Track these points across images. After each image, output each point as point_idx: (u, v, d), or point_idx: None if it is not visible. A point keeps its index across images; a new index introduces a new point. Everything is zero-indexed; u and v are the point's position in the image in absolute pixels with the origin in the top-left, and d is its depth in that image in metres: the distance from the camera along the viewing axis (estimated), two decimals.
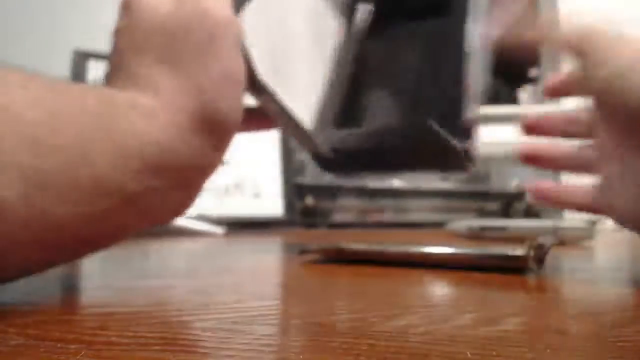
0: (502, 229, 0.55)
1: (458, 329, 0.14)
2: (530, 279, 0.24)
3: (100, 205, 0.19)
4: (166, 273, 0.28)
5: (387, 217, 0.88)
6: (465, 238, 0.58)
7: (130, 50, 0.22)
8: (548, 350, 0.12)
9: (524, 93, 2.22)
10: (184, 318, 0.16)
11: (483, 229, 0.58)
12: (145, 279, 0.25)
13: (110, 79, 0.22)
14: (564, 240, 0.50)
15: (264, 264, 0.26)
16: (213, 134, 0.22)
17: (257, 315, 0.16)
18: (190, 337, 0.13)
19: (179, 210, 0.24)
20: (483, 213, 0.99)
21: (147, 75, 0.22)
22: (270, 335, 0.14)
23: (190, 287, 0.22)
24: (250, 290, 0.21)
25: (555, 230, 0.51)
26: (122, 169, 0.19)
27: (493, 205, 1.00)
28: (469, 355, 0.12)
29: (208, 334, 0.14)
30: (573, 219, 0.71)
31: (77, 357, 0.12)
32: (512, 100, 2.24)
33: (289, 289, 0.23)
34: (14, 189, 0.16)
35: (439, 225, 0.67)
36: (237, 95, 0.22)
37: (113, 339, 0.13)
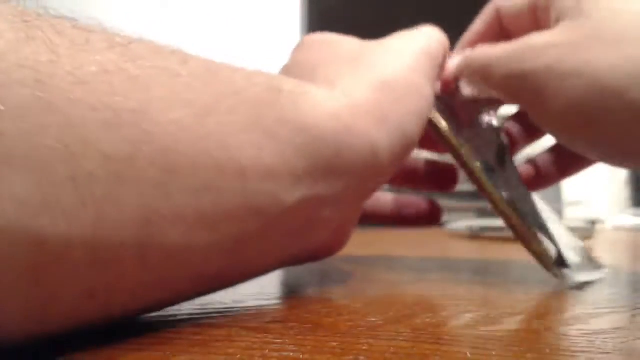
0: (502, 229, 0.55)
1: (458, 329, 0.14)
2: (532, 280, 0.24)
3: (237, 229, 0.14)
4: None
5: None
6: (465, 238, 0.58)
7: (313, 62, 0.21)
8: (548, 350, 0.12)
9: None
10: (184, 318, 0.16)
11: (483, 229, 0.58)
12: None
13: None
14: None
15: None
16: (392, 136, 0.19)
17: (257, 315, 0.16)
18: (190, 336, 0.13)
19: (339, 239, 0.20)
20: (483, 213, 1.00)
21: (326, 72, 0.19)
22: (270, 335, 0.14)
23: None
24: (250, 290, 0.21)
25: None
26: (275, 171, 0.15)
27: None
28: (469, 355, 0.12)
29: (208, 333, 0.14)
30: (573, 219, 0.71)
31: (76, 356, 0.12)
32: None
33: (289, 289, 0.23)
34: (130, 227, 0.12)
35: (438, 225, 0.67)
36: (420, 110, 0.20)
37: (113, 339, 0.13)
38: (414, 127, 0.20)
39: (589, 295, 0.21)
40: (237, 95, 0.15)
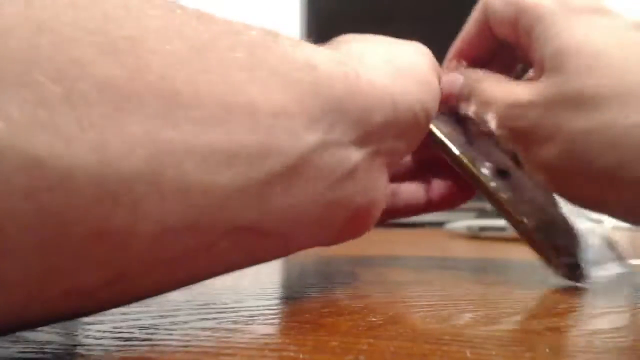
0: (502, 229, 0.55)
1: (458, 328, 0.14)
2: (532, 280, 0.24)
3: (259, 169, 0.13)
4: None
5: None
6: (465, 238, 0.58)
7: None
8: (548, 350, 0.12)
9: None
10: (183, 318, 0.16)
11: (482, 229, 0.58)
12: None
13: None
14: None
15: (264, 264, 0.26)
16: (411, 92, 0.19)
17: (257, 315, 0.16)
18: (190, 337, 0.13)
19: (367, 213, 0.19)
20: (483, 213, 1.00)
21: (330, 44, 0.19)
22: (270, 335, 0.14)
23: (190, 287, 0.22)
24: (250, 290, 0.21)
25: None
26: (287, 109, 0.14)
27: None
28: (469, 355, 0.12)
29: (208, 333, 0.14)
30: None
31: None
32: None
33: (289, 289, 0.23)
34: (132, 159, 0.11)
35: (438, 225, 0.67)
36: (431, 100, 0.20)
37: (111, 339, 0.13)
38: (430, 103, 0.20)
39: (589, 295, 0.21)
40: (235, 35, 0.14)
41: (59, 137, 0.10)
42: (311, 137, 0.15)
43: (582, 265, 0.23)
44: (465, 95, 0.25)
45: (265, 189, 0.14)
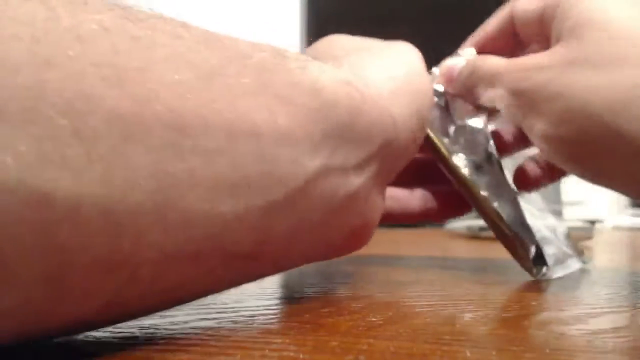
0: None
1: (458, 328, 0.14)
2: (531, 280, 0.24)
3: (261, 198, 0.14)
4: None
5: None
6: (464, 238, 0.58)
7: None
8: (547, 350, 0.12)
9: None
10: (184, 318, 0.16)
11: (482, 229, 0.58)
12: None
13: None
14: None
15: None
16: (408, 109, 0.19)
17: (257, 315, 0.16)
18: (190, 336, 0.13)
19: (364, 230, 0.19)
20: None
21: (333, 55, 0.20)
22: (270, 334, 0.14)
23: None
24: (250, 290, 0.21)
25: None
26: (291, 135, 0.14)
27: None
28: (469, 354, 0.12)
29: (208, 333, 0.14)
30: (572, 219, 0.71)
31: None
32: None
33: (289, 289, 0.23)
34: (138, 193, 0.11)
35: (438, 224, 0.67)
36: (428, 104, 0.21)
37: (111, 339, 0.13)
38: (425, 110, 0.21)
39: (589, 295, 0.21)
40: (243, 59, 0.14)
41: (67, 171, 0.10)
42: (313, 164, 0.15)
43: (547, 261, 0.24)
44: (466, 76, 0.26)
45: (266, 217, 0.14)
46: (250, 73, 0.14)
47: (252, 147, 0.13)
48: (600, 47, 0.21)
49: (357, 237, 0.19)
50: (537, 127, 0.22)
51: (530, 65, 0.23)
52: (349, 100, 0.16)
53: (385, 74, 0.19)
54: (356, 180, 0.17)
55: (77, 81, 0.10)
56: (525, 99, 0.23)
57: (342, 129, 0.16)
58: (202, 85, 0.13)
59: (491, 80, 0.24)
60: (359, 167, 0.17)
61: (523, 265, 0.24)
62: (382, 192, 0.20)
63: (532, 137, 0.23)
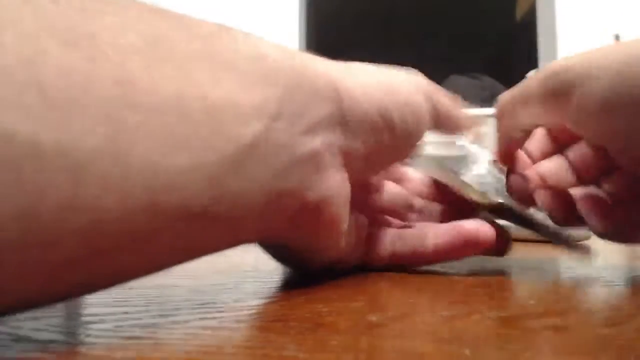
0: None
1: (458, 328, 0.14)
2: (530, 279, 0.24)
3: (213, 155, 0.15)
4: (166, 272, 0.28)
5: None
6: None
7: None
8: (548, 350, 0.12)
9: None
10: (184, 317, 0.16)
11: None
12: (144, 278, 0.25)
13: None
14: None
15: (264, 263, 0.26)
16: (366, 94, 0.20)
17: (257, 314, 0.16)
18: (191, 336, 0.13)
19: (328, 220, 0.20)
20: None
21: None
22: (270, 333, 0.14)
23: (190, 287, 0.22)
24: (250, 290, 0.21)
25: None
26: (236, 97, 0.15)
27: None
28: (469, 354, 0.12)
29: (209, 332, 0.14)
30: None
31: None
32: None
33: (289, 289, 0.23)
34: (93, 136, 0.12)
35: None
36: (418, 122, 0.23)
37: (112, 338, 0.13)
38: (395, 112, 0.21)
39: (588, 294, 0.21)
40: (189, 28, 0.16)
41: (25, 115, 0.11)
42: (258, 124, 0.16)
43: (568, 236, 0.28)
44: (502, 109, 0.27)
45: (216, 172, 0.15)
46: (196, 40, 0.15)
47: (199, 105, 0.14)
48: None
49: (312, 212, 0.19)
50: (592, 98, 0.21)
51: (558, 66, 0.23)
52: (291, 67, 0.18)
53: (348, 69, 0.21)
54: (301, 145, 0.18)
55: (32, 41, 0.12)
56: (562, 93, 0.22)
57: (285, 93, 0.17)
58: (149, 48, 0.14)
59: (524, 91, 0.25)
60: (305, 132, 0.18)
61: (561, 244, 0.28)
62: (339, 172, 0.20)
63: (587, 122, 0.22)
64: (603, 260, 0.33)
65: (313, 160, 0.18)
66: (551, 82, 0.23)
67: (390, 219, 0.28)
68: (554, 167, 0.26)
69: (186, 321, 0.15)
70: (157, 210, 0.14)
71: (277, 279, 0.24)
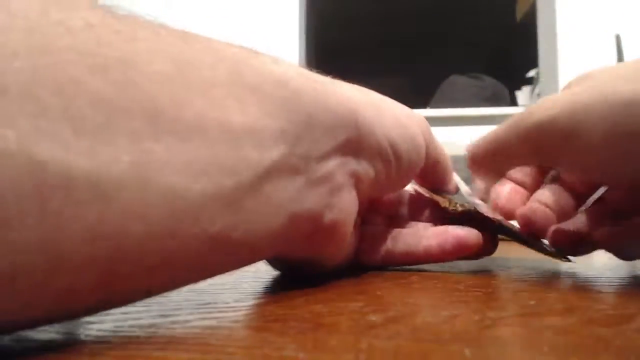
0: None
1: (458, 328, 0.14)
2: (531, 279, 0.24)
3: (231, 179, 0.15)
4: None
5: None
6: None
7: None
8: (546, 349, 0.12)
9: (522, 94, 2.23)
10: (184, 317, 0.16)
11: None
12: None
13: None
14: None
15: (264, 263, 0.26)
16: (383, 120, 0.22)
17: (257, 314, 0.16)
18: (191, 336, 0.13)
19: (336, 233, 0.21)
20: None
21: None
22: (270, 333, 0.14)
23: (190, 287, 0.22)
24: (250, 290, 0.21)
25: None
26: (259, 122, 0.16)
27: None
28: (469, 355, 0.12)
29: (209, 332, 0.14)
30: None
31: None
32: (511, 101, 2.24)
33: (289, 289, 0.23)
34: (121, 163, 0.12)
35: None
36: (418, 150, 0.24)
37: (112, 338, 0.13)
38: (403, 144, 0.23)
39: (588, 294, 0.21)
40: (216, 53, 0.16)
41: (58, 144, 0.11)
42: (278, 149, 0.16)
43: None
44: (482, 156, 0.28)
45: (235, 197, 0.15)
46: (222, 65, 0.16)
47: (223, 131, 0.15)
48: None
49: (326, 233, 0.20)
50: (589, 139, 0.22)
51: (546, 118, 0.23)
52: (314, 93, 0.18)
53: (366, 97, 0.22)
54: (318, 170, 0.18)
55: (65, 68, 0.12)
56: (556, 145, 0.23)
57: (306, 119, 0.17)
58: (177, 75, 0.14)
59: (509, 130, 0.26)
60: (322, 158, 0.18)
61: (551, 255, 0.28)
62: (351, 194, 0.21)
63: (580, 158, 0.23)
64: (603, 261, 0.33)
65: (328, 183, 0.19)
66: (536, 135, 0.24)
67: (383, 219, 0.29)
68: (553, 196, 0.28)
69: (186, 321, 0.15)
70: (177, 235, 0.14)
71: (277, 279, 0.24)
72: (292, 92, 0.17)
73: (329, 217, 0.19)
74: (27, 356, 0.12)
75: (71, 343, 0.13)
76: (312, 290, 0.21)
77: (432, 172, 0.27)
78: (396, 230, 0.28)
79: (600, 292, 0.22)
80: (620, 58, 1.61)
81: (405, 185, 0.27)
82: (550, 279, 0.24)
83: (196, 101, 0.14)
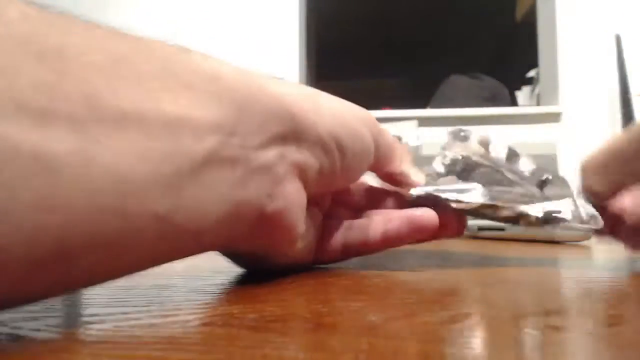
0: (500, 229, 0.55)
1: (458, 328, 0.14)
2: (530, 279, 0.24)
3: (170, 166, 0.16)
4: (166, 272, 0.28)
5: None
6: (463, 238, 0.58)
7: None
8: (546, 349, 0.12)
9: (522, 94, 2.23)
10: (184, 317, 0.16)
11: (481, 228, 0.58)
12: (144, 278, 0.25)
13: None
14: (562, 239, 0.50)
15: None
16: (320, 114, 0.22)
17: (257, 314, 0.16)
18: (191, 336, 0.13)
19: (282, 225, 0.21)
20: None
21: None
22: (270, 333, 0.14)
23: (190, 287, 0.22)
24: (250, 290, 0.21)
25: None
26: (192, 114, 0.17)
27: None
28: (469, 355, 0.12)
29: (208, 332, 0.14)
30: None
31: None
32: (511, 101, 2.24)
33: (289, 289, 0.23)
34: (64, 142, 0.13)
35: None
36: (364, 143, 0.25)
37: (112, 338, 0.13)
38: (346, 139, 0.24)
39: (588, 294, 0.21)
40: (151, 50, 0.17)
41: (5, 119, 0.12)
42: (213, 139, 0.17)
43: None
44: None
45: (175, 182, 0.16)
46: (156, 60, 0.16)
47: (159, 120, 0.15)
48: None
49: (272, 222, 0.21)
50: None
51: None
52: (246, 88, 0.19)
53: (303, 92, 0.23)
54: (257, 159, 0.19)
55: (3, 54, 0.13)
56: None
57: (238, 112, 0.18)
58: (112, 66, 0.15)
59: (615, 157, 0.29)
60: (260, 147, 0.19)
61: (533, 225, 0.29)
62: (295, 184, 0.22)
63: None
64: (603, 260, 0.33)
65: (268, 172, 0.20)
66: None
67: (342, 210, 0.30)
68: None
69: (186, 321, 0.15)
70: (125, 212, 0.14)
71: (277, 280, 0.24)
72: (225, 86, 0.18)
73: (271, 206, 0.20)
74: (26, 356, 0.12)
75: (71, 343, 0.13)
76: (312, 290, 0.21)
77: (386, 165, 0.28)
78: (349, 221, 0.28)
79: (600, 292, 0.22)
80: (620, 58, 1.61)
81: (356, 179, 0.27)
82: (551, 279, 0.24)
83: (131, 91, 0.15)
